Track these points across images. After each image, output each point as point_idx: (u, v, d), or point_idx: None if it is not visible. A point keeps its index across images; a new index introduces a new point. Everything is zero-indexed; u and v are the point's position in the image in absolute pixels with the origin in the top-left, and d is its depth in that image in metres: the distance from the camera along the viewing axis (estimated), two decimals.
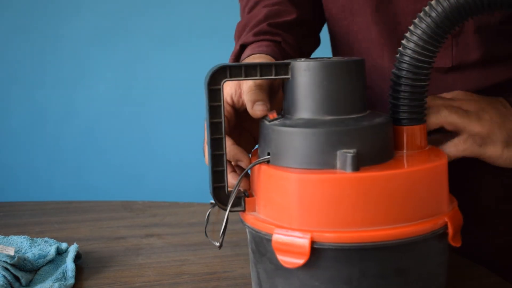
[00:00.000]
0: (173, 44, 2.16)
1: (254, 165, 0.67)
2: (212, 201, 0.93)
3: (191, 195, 2.12)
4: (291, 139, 0.64)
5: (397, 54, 0.68)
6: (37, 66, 2.15)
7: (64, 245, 0.91)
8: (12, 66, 2.14)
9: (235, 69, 0.66)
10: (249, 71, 0.66)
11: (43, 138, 2.18)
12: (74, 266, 0.86)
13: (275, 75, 0.67)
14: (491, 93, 0.83)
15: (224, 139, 0.67)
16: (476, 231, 0.91)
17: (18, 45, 2.13)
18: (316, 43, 1.02)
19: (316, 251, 0.62)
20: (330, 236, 0.61)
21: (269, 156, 0.66)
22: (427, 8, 0.66)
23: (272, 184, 0.65)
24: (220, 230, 0.69)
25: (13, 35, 2.13)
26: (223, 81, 0.65)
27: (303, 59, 0.67)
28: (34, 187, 2.19)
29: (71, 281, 0.84)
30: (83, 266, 0.89)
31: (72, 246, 0.90)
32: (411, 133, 0.69)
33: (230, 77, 0.66)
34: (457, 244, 0.66)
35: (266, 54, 0.83)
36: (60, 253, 0.90)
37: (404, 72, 0.67)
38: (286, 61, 0.67)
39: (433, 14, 0.65)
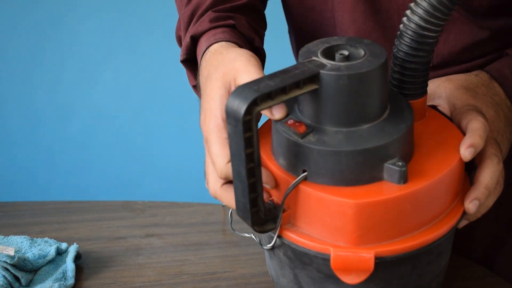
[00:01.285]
0: (173, 45, 2.15)
1: (294, 186, 0.64)
2: None
3: (191, 195, 2.11)
4: (337, 159, 0.62)
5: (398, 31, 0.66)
6: (36, 67, 2.15)
7: (64, 245, 0.91)
8: (11, 66, 2.14)
9: (263, 96, 0.60)
10: (277, 94, 0.61)
11: (42, 138, 2.18)
12: (74, 266, 0.86)
13: (302, 89, 0.62)
14: None
15: (258, 167, 0.62)
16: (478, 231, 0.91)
17: (18, 45, 2.13)
18: (265, 25, 0.92)
19: (377, 264, 0.62)
20: (390, 249, 0.62)
21: (306, 174, 0.63)
22: None
23: (322, 208, 0.63)
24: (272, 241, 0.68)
25: (13, 34, 2.13)
26: (255, 111, 0.60)
27: (329, 66, 0.62)
28: (34, 187, 2.19)
29: (71, 281, 0.84)
30: (83, 266, 0.89)
31: (72, 246, 0.90)
32: (416, 107, 0.68)
33: (261, 104, 0.60)
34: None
35: (227, 41, 0.76)
36: (60, 253, 0.90)
37: (410, 49, 0.65)
38: (313, 71, 0.62)
39: None
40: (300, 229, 0.65)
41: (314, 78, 0.62)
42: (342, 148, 0.61)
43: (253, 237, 0.72)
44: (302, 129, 0.63)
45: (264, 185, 0.66)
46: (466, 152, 0.65)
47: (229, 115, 0.60)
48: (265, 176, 0.65)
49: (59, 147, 2.19)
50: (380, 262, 0.62)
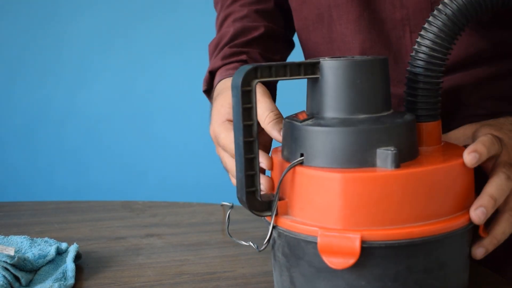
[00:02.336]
0: (175, 44, 2.16)
1: (291, 167, 0.65)
2: (224, 202, 0.94)
3: (191, 195, 2.12)
4: (330, 139, 0.64)
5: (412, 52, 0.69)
6: (38, 66, 2.15)
7: (64, 245, 0.91)
8: (14, 65, 2.14)
9: (265, 70, 0.65)
10: (279, 71, 0.66)
11: (43, 138, 2.18)
12: (74, 266, 0.86)
13: (304, 75, 0.66)
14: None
15: (256, 142, 0.65)
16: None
17: (21, 44, 2.13)
18: (290, 46, 1.01)
19: (365, 250, 0.62)
20: (379, 234, 0.62)
21: (302, 158, 0.65)
22: (441, 6, 0.67)
23: (312, 186, 0.64)
24: (266, 239, 0.68)
25: (15, 34, 2.13)
26: (255, 82, 0.64)
27: (330, 58, 0.67)
28: (34, 187, 2.19)
29: (71, 281, 0.84)
30: (83, 266, 0.89)
31: (72, 246, 0.90)
32: (429, 130, 0.70)
33: (261, 77, 0.65)
34: (485, 234, 0.69)
35: None
36: (60, 253, 0.90)
37: (421, 70, 0.68)
38: (315, 60, 0.66)
39: (448, 11, 0.67)
40: (295, 217, 0.66)
41: (315, 66, 0.66)
42: (336, 127, 0.64)
43: (251, 244, 0.73)
44: (303, 116, 0.67)
45: (260, 164, 0.69)
46: (470, 156, 0.66)
47: (233, 88, 0.65)
48: (262, 155, 0.69)
49: (60, 147, 2.19)
50: (369, 250, 0.62)
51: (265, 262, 0.88)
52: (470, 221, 0.66)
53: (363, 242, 0.61)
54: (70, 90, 2.17)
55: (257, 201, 0.66)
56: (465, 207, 0.67)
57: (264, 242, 0.68)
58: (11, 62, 2.14)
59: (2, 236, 0.95)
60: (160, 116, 2.19)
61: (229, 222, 0.76)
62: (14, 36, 2.13)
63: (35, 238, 0.94)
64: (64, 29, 2.13)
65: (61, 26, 2.13)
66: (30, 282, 0.84)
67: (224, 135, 0.78)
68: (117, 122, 2.19)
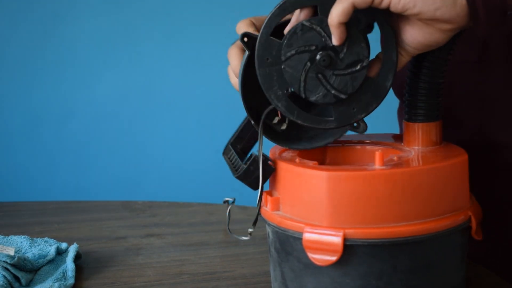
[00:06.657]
0: (174, 45, 2.16)
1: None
2: (227, 198, 0.95)
3: (191, 195, 2.11)
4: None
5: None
6: (36, 67, 2.15)
7: (64, 245, 0.91)
8: (12, 66, 2.14)
9: None
10: None
11: (43, 138, 2.18)
12: (74, 266, 0.86)
13: None
14: None
15: None
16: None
17: (18, 44, 2.13)
18: None
19: (348, 248, 0.62)
20: (362, 233, 0.62)
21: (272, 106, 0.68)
22: None
23: (300, 183, 0.65)
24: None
25: (12, 34, 2.13)
26: None
27: None
28: (34, 187, 2.19)
29: (71, 281, 0.84)
30: (83, 266, 0.89)
31: (72, 246, 0.90)
32: (427, 130, 0.70)
33: None
34: (479, 237, 0.68)
35: None
36: (60, 253, 0.90)
37: (422, 70, 0.68)
38: None
39: None
40: (285, 214, 0.67)
41: None
42: None
43: (245, 238, 0.74)
44: None
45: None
46: None
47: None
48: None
49: (60, 147, 2.19)
50: (352, 248, 0.62)
51: (265, 262, 0.88)
52: (459, 224, 0.66)
53: (346, 240, 0.62)
54: (70, 91, 2.16)
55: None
56: (455, 209, 0.66)
57: (251, 229, 0.70)
58: (12, 61, 2.14)
59: (2, 236, 0.95)
60: (161, 116, 2.19)
61: (229, 218, 0.76)
62: (16, 36, 2.13)
63: (35, 238, 0.94)
64: (67, 29, 2.13)
65: (65, 26, 2.13)
66: (30, 282, 0.84)
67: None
68: (117, 122, 2.19)
